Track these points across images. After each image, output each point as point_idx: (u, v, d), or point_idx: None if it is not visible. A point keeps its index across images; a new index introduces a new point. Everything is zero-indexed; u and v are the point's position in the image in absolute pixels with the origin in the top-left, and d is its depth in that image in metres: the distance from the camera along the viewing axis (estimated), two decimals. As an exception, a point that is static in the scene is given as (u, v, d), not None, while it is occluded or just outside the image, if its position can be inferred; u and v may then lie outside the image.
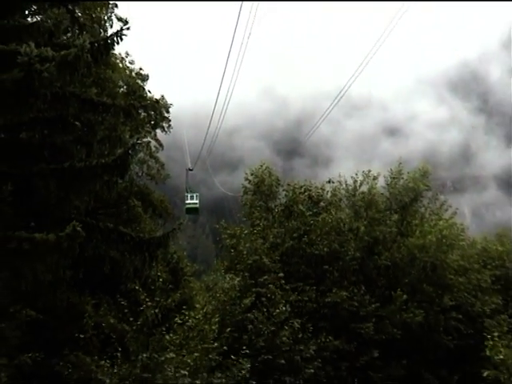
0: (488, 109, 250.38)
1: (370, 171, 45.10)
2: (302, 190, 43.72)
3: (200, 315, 32.41)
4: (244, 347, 33.39)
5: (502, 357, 29.02)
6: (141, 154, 35.70)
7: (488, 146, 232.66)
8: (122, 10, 34.93)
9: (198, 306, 35.90)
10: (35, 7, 25.83)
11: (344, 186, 44.87)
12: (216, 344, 31.32)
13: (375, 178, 44.62)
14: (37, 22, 25.45)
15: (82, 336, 27.89)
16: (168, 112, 38.67)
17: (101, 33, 30.92)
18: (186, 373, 27.81)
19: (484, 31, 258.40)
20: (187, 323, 30.88)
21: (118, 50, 30.12)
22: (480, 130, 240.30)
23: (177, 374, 27.30)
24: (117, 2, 34.94)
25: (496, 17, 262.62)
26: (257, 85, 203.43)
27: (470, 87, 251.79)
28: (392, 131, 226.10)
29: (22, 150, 22.21)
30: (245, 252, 40.10)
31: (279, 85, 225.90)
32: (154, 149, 39.31)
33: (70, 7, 26.35)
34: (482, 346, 30.54)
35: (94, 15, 33.17)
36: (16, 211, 20.26)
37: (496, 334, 30.22)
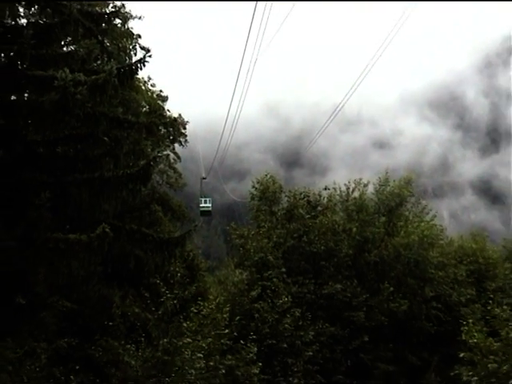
0: (464, 125, 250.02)
1: (361, 179, 45.33)
2: (302, 196, 43.88)
3: (213, 305, 32.51)
4: (251, 333, 33.69)
5: (475, 340, 29.06)
6: (161, 165, 35.83)
7: (464, 158, 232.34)
8: (145, 40, 35.13)
9: (211, 297, 35.95)
10: (70, 38, 25.96)
11: (338, 192, 45.03)
12: (227, 330, 31.53)
13: (365, 186, 44.83)
14: (71, 51, 25.63)
15: (110, 323, 28.03)
16: (184, 128, 38.80)
17: (126, 60, 31.06)
18: (201, 355, 28.00)
19: (461, 57, 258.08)
20: (202, 312, 31.04)
21: (141, 74, 30.30)
22: (457, 144, 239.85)
23: (193, 357, 27.47)
24: (140, 32, 35.17)
25: (470, 43, 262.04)
26: (262, 105, 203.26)
27: (448, 106, 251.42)
28: (380, 144, 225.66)
29: (59, 162, 22.31)
30: (252, 250, 40.32)
31: (282, 104, 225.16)
32: (172, 161, 39.41)
33: (99, 38, 26.50)
34: (459, 331, 30.55)
35: (120, 45, 33.32)
36: (54, 216, 20.39)
37: (471, 320, 30.26)
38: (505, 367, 27.84)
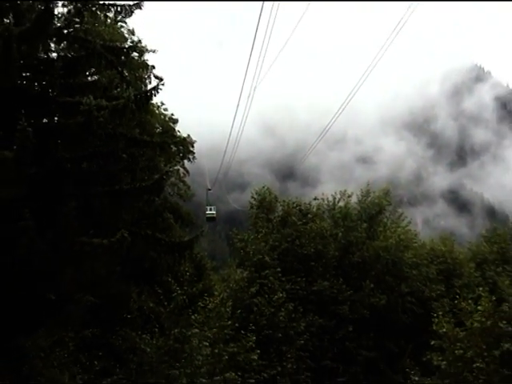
0: (436, 144, 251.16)
1: (345, 191, 45.39)
2: (294, 205, 43.99)
3: (217, 300, 32.59)
4: (251, 324, 33.68)
5: (444, 330, 29.12)
6: (172, 179, 35.91)
7: (435, 172, 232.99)
8: (158, 70, 35.27)
9: (215, 293, 36.11)
10: (94, 69, 26.11)
11: (326, 202, 45.02)
12: (229, 322, 31.58)
13: (349, 196, 44.89)
14: (95, 80, 25.79)
15: (128, 316, 28.15)
16: (193, 147, 38.86)
17: (142, 87, 31.17)
18: (207, 344, 28.10)
19: (434, 85, 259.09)
20: (208, 306, 31.13)
21: (155, 100, 30.42)
22: (429, 160, 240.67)
23: (200, 345, 27.57)
24: (154, 63, 35.31)
25: (442, 73, 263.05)
26: (261, 126, 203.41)
27: (422, 128, 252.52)
28: (363, 160, 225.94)
29: (84, 176, 22.42)
30: (251, 252, 40.35)
31: (278, 126, 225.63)
32: (182, 175, 39.47)
33: (119, 69, 26.65)
34: (430, 322, 30.56)
35: (137, 74, 33.45)
36: (79, 222, 20.50)
37: (440, 313, 30.31)
38: (469, 353, 27.92)
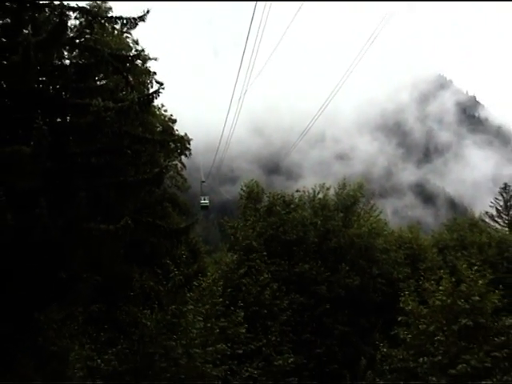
0: (404, 143, 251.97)
1: (324, 184, 45.37)
2: (279, 196, 44.03)
3: (210, 280, 32.74)
4: (239, 301, 33.87)
5: (410, 307, 29.41)
6: (171, 172, 35.79)
7: (404, 168, 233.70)
8: (160, 76, 35.18)
9: (208, 274, 36.11)
10: (102, 74, 26.07)
11: (307, 194, 45.07)
12: (221, 299, 31.82)
13: (328, 189, 44.89)
14: (103, 84, 25.69)
15: (131, 294, 28.19)
16: (189, 144, 38.74)
17: (144, 91, 31.09)
18: (201, 318, 28.29)
19: (404, 91, 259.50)
20: (201, 285, 31.32)
21: (156, 102, 30.32)
22: (399, 157, 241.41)
23: (194, 320, 27.73)
24: (156, 70, 35.26)
25: (410, 80, 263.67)
26: (250, 126, 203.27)
27: (393, 129, 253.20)
28: (341, 157, 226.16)
29: (92, 169, 22.42)
30: (240, 238, 40.44)
31: (265, 126, 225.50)
32: (179, 169, 39.38)
33: (125, 74, 26.61)
34: (398, 300, 30.84)
35: (140, 79, 33.36)
36: (88, 210, 20.50)
37: (407, 292, 30.57)
38: (431, 327, 28.21)
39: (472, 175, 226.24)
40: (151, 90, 29.15)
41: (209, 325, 29.06)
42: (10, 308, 20.10)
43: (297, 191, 45.80)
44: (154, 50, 35.79)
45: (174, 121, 38.65)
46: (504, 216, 67.19)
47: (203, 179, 57.24)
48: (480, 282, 28.76)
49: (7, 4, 20.90)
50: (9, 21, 21.28)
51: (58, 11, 21.08)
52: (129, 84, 27.61)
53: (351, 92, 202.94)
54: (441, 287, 29.13)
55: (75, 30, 24.05)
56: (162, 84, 31.77)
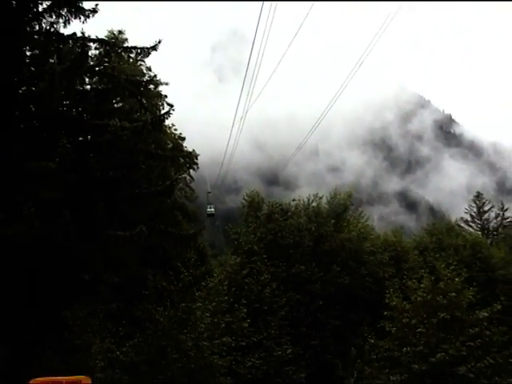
0: (390, 157, 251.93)
1: (317, 194, 45.37)
2: (277, 205, 43.95)
3: (216, 280, 32.85)
4: (242, 299, 33.84)
5: (394, 303, 29.42)
6: (180, 184, 35.79)
7: (389, 179, 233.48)
8: (170, 98, 35.26)
9: (215, 275, 36.11)
10: (119, 98, 26.16)
11: (302, 202, 44.99)
12: (226, 297, 31.85)
13: (320, 198, 44.78)
14: (119, 106, 25.87)
15: (146, 293, 28.17)
16: (196, 159, 38.73)
17: (157, 112, 31.20)
18: (208, 314, 28.33)
19: (388, 111, 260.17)
20: (208, 285, 31.29)
21: (167, 122, 30.38)
22: (384, 170, 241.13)
23: (202, 315, 27.76)
24: (167, 93, 35.36)
25: (394, 103, 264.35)
26: (252, 143, 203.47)
27: (379, 145, 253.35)
28: (333, 169, 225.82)
29: (110, 182, 22.45)
30: (243, 242, 40.29)
31: (266, 143, 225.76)
32: (188, 181, 39.39)
33: (139, 97, 26.70)
34: (383, 297, 30.83)
35: (153, 102, 33.48)
36: (107, 219, 20.57)
37: (391, 290, 30.59)
38: (413, 321, 28.24)
39: (449, 185, 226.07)
40: (162, 112, 29.22)
41: (215, 320, 29.07)
42: (40, 307, 20.14)
43: (293, 200, 45.72)
44: (166, 75, 35.96)
45: (183, 138, 38.71)
46: (477, 221, 67.48)
47: (209, 190, 57.10)
48: (456, 279, 28.87)
49: (36, 37, 21.02)
50: (37, 52, 21.41)
51: (80, 43, 21.21)
52: (142, 106, 27.75)
53: (342, 111, 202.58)
54: (421, 285, 29.20)
55: (95, 58, 24.18)
56: (172, 106, 32.04)
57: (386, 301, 30.14)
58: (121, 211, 22.76)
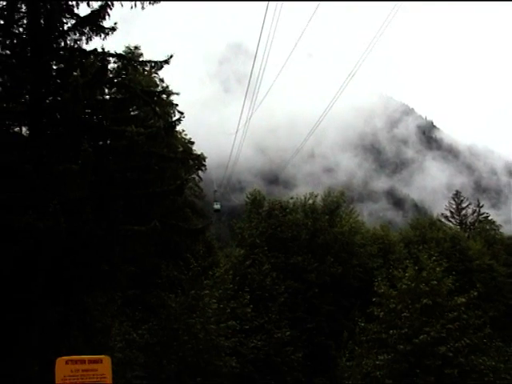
0: (379, 159, 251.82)
1: (313, 192, 45.57)
2: (277, 202, 44.11)
3: (222, 270, 32.86)
4: (246, 287, 33.94)
5: (382, 290, 29.46)
6: (190, 184, 35.94)
7: (378, 178, 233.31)
8: (181, 107, 35.38)
9: (221, 265, 36.20)
10: (135, 106, 26.20)
11: (300, 200, 45.11)
12: (231, 286, 31.93)
13: (316, 196, 45.00)
14: (135, 114, 25.89)
15: (159, 281, 28.31)
16: (204, 161, 38.96)
17: (169, 119, 31.28)
18: (215, 301, 28.32)
19: (376, 119, 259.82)
20: (216, 274, 31.35)
21: (178, 128, 30.49)
22: (374, 170, 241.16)
23: (210, 302, 27.76)
24: (177, 102, 35.43)
25: (381, 111, 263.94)
26: (254, 147, 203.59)
27: (369, 148, 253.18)
28: (328, 170, 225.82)
29: (127, 183, 22.47)
30: (246, 236, 40.51)
31: (267, 147, 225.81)
32: (197, 181, 39.59)
33: (153, 106, 26.73)
34: (372, 285, 30.87)
35: (165, 110, 33.64)
36: (124, 215, 20.59)
37: (379, 278, 30.61)
38: (399, 306, 28.26)
39: (431, 184, 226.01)
40: (174, 119, 29.33)
41: (221, 306, 29.10)
42: (64, 294, 20.22)
43: (291, 198, 45.89)
44: (177, 86, 36.03)
45: (193, 143, 38.89)
46: (456, 217, 67.78)
47: (216, 189, 57.42)
48: (437, 269, 28.90)
49: (61, 52, 21.11)
50: (62, 66, 21.48)
51: (101, 57, 21.26)
52: (156, 114, 27.78)
53: (336, 119, 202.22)
54: (406, 274, 29.21)
55: (114, 71, 24.21)
56: (182, 113, 32.30)
57: (375, 288, 30.17)
58: (137, 208, 22.79)
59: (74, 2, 20.42)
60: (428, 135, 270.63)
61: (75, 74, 21.29)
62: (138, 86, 24.22)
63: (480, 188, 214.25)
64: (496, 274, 46.12)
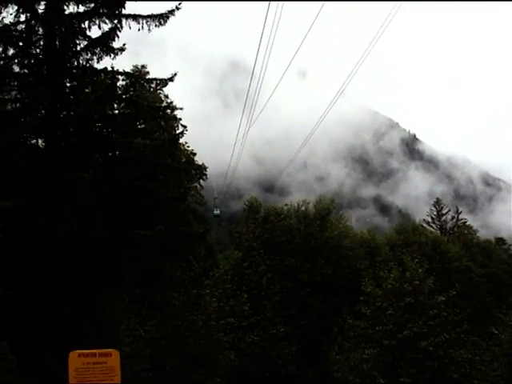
0: (366, 169, 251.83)
1: (305, 199, 45.46)
2: (272, 209, 43.94)
3: (222, 271, 32.88)
4: (243, 286, 33.90)
5: (369, 290, 29.47)
6: (192, 192, 35.77)
7: (366, 187, 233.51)
8: (184, 121, 35.33)
9: (221, 267, 36.22)
10: (142, 120, 26.23)
11: (293, 207, 44.93)
12: (230, 285, 31.87)
13: (308, 203, 44.72)
14: (142, 127, 25.87)
15: (164, 281, 28.22)
16: (206, 171, 38.73)
17: (172, 132, 31.27)
18: (215, 299, 28.32)
19: (363, 132, 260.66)
20: (215, 275, 31.39)
21: (181, 140, 30.39)
22: (362, 180, 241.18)
23: (210, 300, 27.80)
24: (181, 117, 35.40)
25: (371, 126, 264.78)
26: (251, 157, 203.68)
27: (357, 159, 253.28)
28: (320, 179, 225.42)
29: (135, 190, 22.51)
30: (244, 240, 40.41)
31: (264, 156, 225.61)
32: (198, 189, 39.43)
33: (158, 120, 26.76)
34: (360, 285, 30.82)
35: (169, 123, 33.53)
36: (131, 220, 20.66)
37: (366, 279, 30.62)
38: (384, 304, 28.25)
39: (414, 192, 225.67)
40: (177, 132, 29.39)
41: (221, 304, 29.14)
42: (76, 293, 20.22)
43: (285, 205, 45.65)
44: (180, 101, 35.92)
45: (195, 154, 38.70)
46: (436, 222, 67.83)
47: (216, 196, 57.37)
48: (419, 270, 28.92)
49: (74, 71, 21.21)
50: (75, 83, 21.58)
51: (110, 75, 21.38)
52: (161, 127, 27.80)
53: (327, 132, 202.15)
54: (391, 275, 29.21)
55: (122, 88, 24.31)
56: (185, 127, 32.20)
57: (362, 288, 30.14)
58: (143, 214, 22.82)
59: (87, 25, 20.60)
60: (411, 147, 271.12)
61: (87, 90, 21.45)
62: (145, 101, 24.26)
63: (458, 196, 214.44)
64: (473, 275, 46.26)
